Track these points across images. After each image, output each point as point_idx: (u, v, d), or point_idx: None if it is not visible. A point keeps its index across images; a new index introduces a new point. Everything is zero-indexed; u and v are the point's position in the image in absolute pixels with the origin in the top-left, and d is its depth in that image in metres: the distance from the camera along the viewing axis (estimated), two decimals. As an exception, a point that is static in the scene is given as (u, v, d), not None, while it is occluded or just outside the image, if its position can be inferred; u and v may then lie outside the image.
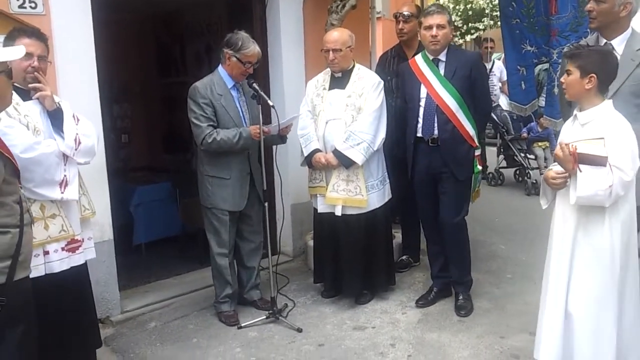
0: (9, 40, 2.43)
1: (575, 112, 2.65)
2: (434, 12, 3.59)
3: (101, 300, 3.72)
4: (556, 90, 4.18)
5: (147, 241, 5.30)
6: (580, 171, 2.41)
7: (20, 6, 3.28)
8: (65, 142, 2.63)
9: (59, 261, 2.69)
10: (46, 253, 2.64)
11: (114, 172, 4.10)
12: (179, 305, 4.07)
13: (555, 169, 2.60)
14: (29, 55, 2.54)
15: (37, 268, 2.58)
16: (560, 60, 3.59)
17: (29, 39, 2.61)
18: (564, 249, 2.59)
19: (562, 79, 2.66)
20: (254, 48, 3.60)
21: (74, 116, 2.75)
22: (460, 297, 3.82)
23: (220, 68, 3.68)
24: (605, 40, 3.02)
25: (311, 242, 4.41)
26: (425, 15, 3.63)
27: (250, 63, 3.61)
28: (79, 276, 2.82)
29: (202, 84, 3.59)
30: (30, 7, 3.31)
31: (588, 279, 2.55)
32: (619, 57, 2.90)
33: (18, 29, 2.62)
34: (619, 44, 3.02)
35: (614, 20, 2.99)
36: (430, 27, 3.56)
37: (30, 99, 2.61)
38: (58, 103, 2.71)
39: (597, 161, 2.40)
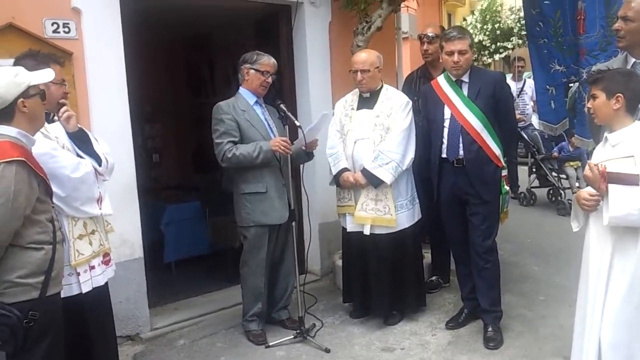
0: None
1: (605, 134, 2.61)
2: (455, 37, 3.55)
3: (131, 318, 3.78)
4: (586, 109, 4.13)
5: (176, 259, 5.36)
6: (610, 191, 2.35)
7: (55, 31, 3.39)
8: (97, 161, 2.70)
9: (102, 275, 2.76)
10: (92, 268, 2.69)
11: (145, 191, 4.18)
12: (208, 324, 4.09)
13: (587, 190, 2.55)
14: (61, 81, 2.65)
15: (86, 283, 2.64)
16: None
17: (60, 66, 2.69)
18: (600, 272, 2.52)
19: (588, 105, 2.62)
20: (268, 58, 3.69)
21: (94, 137, 2.82)
22: (490, 329, 3.66)
23: (241, 89, 3.76)
24: (634, 60, 2.97)
25: (339, 262, 4.40)
26: (446, 41, 3.59)
27: (269, 72, 3.68)
28: (101, 293, 2.82)
29: (225, 103, 3.68)
30: (64, 31, 3.43)
31: (621, 305, 2.46)
32: None
33: (44, 55, 2.67)
34: (648, 63, 2.97)
35: None
36: (451, 53, 3.55)
37: (53, 121, 2.66)
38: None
39: (628, 180, 2.34)
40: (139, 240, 3.81)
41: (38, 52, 2.68)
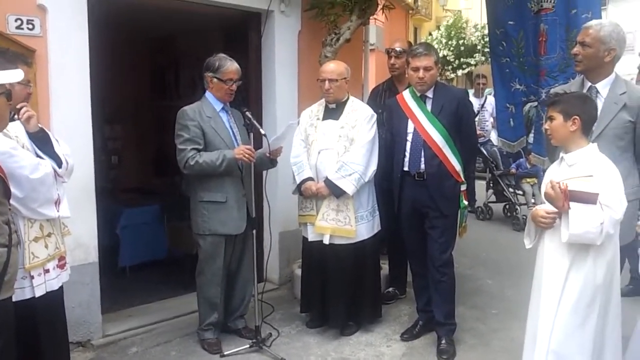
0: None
1: (561, 154, 2.70)
2: (421, 54, 3.61)
3: (83, 323, 3.68)
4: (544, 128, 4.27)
5: (132, 264, 5.25)
6: (571, 209, 2.44)
7: (18, 27, 3.31)
8: (57, 162, 2.64)
9: (56, 279, 2.69)
10: (46, 271, 2.62)
11: (102, 193, 4.08)
12: (162, 331, 4.02)
13: (544, 207, 2.63)
14: (27, 82, 2.60)
15: (40, 287, 2.58)
16: (548, 98, 3.67)
17: (27, 66, 2.64)
18: (554, 287, 2.60)
19: (546, 126, 2.71)
20: (231, 65, 3.63)
21: (54, 138, 2.76)
22: (443, 342, 3.71)
23: (207, 93, 3.71)
24: (590, 84, 3.10)
25: (298, 271, 4.40)
26: (412, 56, 3.65)
27: (232, 80, 3.64)
28: (54, 298, 2.75)
29: (191, 108, 3.61)
30: (28, 28, 3.35)
31: (569, 317, 2.56)
32: (603, 100, 2.99)
33: (12, 53, 2.63)
34: (603, 87, 3.11)
35: (599, 65, 3.08)
36: (417, 69, 3.61)
37: (13, 119, 2.59)
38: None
39: (588, 199, 2.43)
40: (94, 244, 3.72)
41: (7, 50, 2.63)
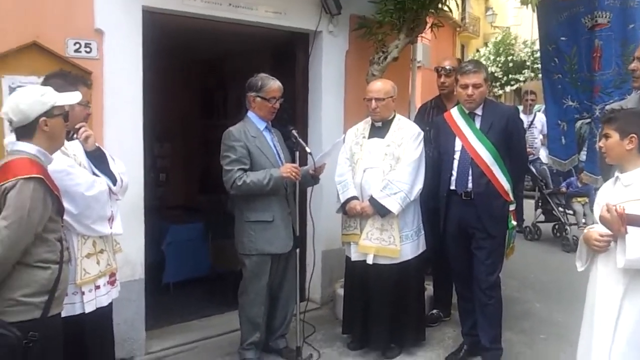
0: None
1: (617, 173, 2.59)
2: (470, 71, 3.58)
3: (127, 340, 3.72)
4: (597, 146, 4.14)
5: (176, 280, 5.30)
6: (627, 233, 2.32)
7: (76, 50, 3.44)
8: (111, 181, 2.72)
9: (106, 295, 2.74)
10: (97, 288, 2.67)
11: (150, 210, 4.18)
12: (203, 349, 4.04)
13: (597, 229, 2.52)
14: (86, 103, 2.71)
15: (90, 303, 2.62)
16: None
17: (87, 88, 2.76)
18: (608, 314, 2.48)
19: (600, 144, 2.61)
20: (273, 83, 3.66)
21: (110, 156, 2.85)
22: None
23: (249, 113, 3.73)
24: (648, 100, 2.99)
25: (340, 291, 4.36)
26: (461, 74, 3.63)
27: (275, 98, 3.66)
28: (103, 314, 2.80)
29: (236, 129, 3.64)
30: (86, 51, 3.47)
31: (627, 348, 2.43)
32: None
33: (73, 76, 2.74)
34: (661, 104, 2.99)
35: None
36: (466, 86, 3.57)
37: (73, 139, 2.69)
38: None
39: None
40: (141, 261, 3.78)
41: (69, 72, 2.75)
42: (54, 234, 2.22)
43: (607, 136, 2.56)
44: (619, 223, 2.34)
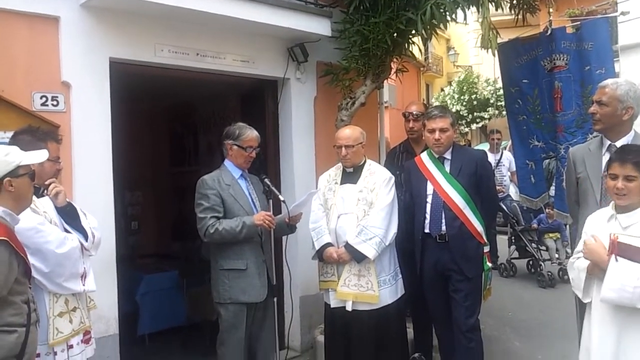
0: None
1: (612, 212, 2.56)
2: (436, 116, 3.67)
3: (102, 398, 3.58)
4: (564, 185, 4.23)
5: (151, 331, 5.17)
6: (617, 261, 2.31)
7: (43, 104, 3.41)
8: (83, 237, 2.66)
9: (80, 354, 2.65)
10: (70, 347, 2.59)
11: (121, 259, 4.09)
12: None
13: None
14: (56, 158, 2.68)
15: None
16: (567, 155, 3.62)
17: (57, 143, 2.74)
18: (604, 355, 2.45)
19: (619, 185, 2.50)
20: (251, 133, 3.68)
21: (82, 211, 2.80)
22: None
23: (226, 161, 3.73)
24: (609, 142, 3.07)
25: (320, 337, 4.29)
26: (428, 119, 3.71)
27: (252, 147, 3.67)
28: None
29: (210, 177, 3.63)
30: (53, 104, 3.45)
31: None
32: None
33: (42, 131, 2.71)
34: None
35: (617, 123, 3.04)
36: (433, 131, 3.65)
37: (43, 195, 2.64)
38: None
39: (636, 255, 2.30)
40: (115, 316, 3.68)
41: (37, 128, 2.71)
42: (20, 296, 2.15)
43: (630, 179, 2.47)
44: (604, 251, 2.35)
